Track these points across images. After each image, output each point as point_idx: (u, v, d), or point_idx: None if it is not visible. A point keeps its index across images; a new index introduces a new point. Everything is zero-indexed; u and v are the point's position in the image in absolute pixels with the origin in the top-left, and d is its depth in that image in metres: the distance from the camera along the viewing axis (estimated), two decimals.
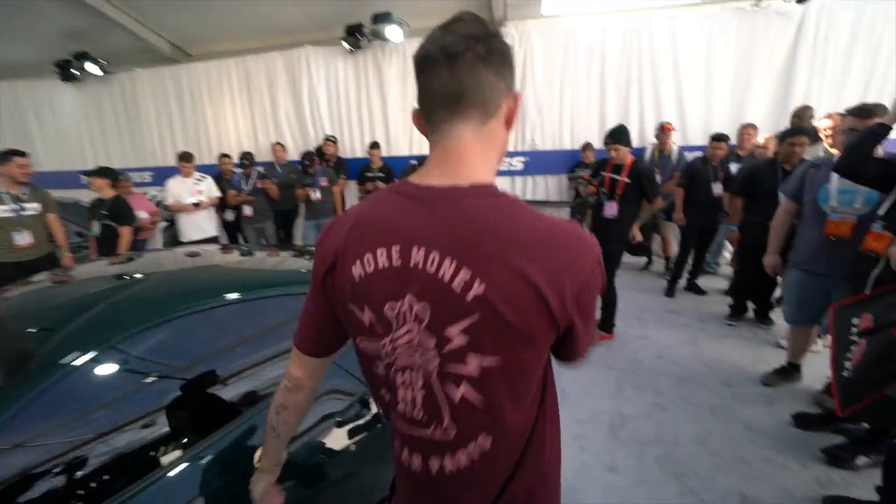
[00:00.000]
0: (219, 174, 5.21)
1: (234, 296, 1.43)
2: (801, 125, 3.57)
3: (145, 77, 6.44)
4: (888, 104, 2.07)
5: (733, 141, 4.42)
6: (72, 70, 6.29)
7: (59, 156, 7.39)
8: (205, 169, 5.38)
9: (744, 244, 3.47)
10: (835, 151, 3.20)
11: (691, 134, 5.03)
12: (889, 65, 4.48)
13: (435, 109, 0.63)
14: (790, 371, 2.62)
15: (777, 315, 3.43)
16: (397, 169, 5.50)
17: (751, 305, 3.60)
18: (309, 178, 4.66)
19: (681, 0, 4.95)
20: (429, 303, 0.59)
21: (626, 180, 3.05)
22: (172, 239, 4.73)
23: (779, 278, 2.93)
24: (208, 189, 4.66)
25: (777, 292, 3.56)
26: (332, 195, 4.76)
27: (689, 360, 2.97)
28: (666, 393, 2.57)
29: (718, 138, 3.94)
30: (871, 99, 4.35)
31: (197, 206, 4.50)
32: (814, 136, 3.43)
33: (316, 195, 4.61)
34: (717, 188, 3.98)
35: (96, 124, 7.02)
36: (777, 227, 2.62)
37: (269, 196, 4.88)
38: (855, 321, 1.64)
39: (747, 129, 4.27)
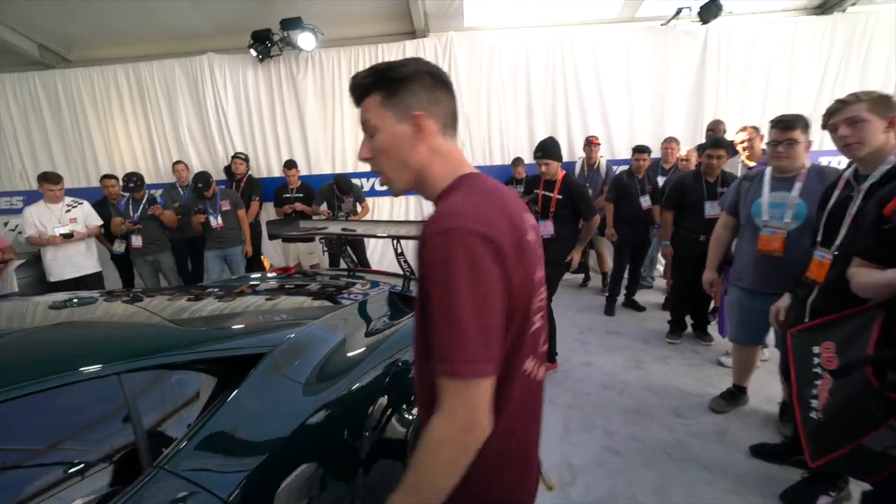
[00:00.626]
0: (103, 199, 4.40)
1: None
2: (717, 137, 3.62)
3: (6, 82, 5.38)
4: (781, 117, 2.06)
5: (657, 154, 4.49)
6: None
7: None
8: (92, 193, 4.54)
9: (676, 258, 3.41)
10: (751, 163, 3.25)
11: (617, 147, 5.07)
12: (780, 79, 4.82)
13: (451, 123, 0.79)
14: (736, 394, 2.48)
15: (714, 329, 3.38)
16: (317, 188, 5.01)
17: (689, 321, 3.53)
18: (203, 202, 4.00)
19: (600, 16, 5.04)
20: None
21: (559, 197, 2.84)
22: (39, 279, 3.84)
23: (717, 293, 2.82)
24: (84, 216, 3.86)
25: (713, 306, 3.53)
26: (236, 220, 4.13)
27: (636, 388, 2.76)
28: (616, 432, 2.31)
29: (640, 150, 3.93)
30: (769, 112, 4.72)
31: (69, 237, 3.69)
32: (731, 148, 3.48)
33: (216, 222, 3.97)
34: (646, 201, 3.95)
35: None
36: (715, 243, 2.51)
37: (164, 223, 4.15)
38: (816, 350, 1.46)
39: (670, 143, 4.34)
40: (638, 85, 4.94)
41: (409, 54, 5.00)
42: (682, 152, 4.06)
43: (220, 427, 1.14)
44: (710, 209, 3.13)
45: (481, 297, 0.61)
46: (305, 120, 5.17)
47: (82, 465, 0.94)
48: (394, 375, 1.56)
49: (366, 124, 0.76)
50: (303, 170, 5.25)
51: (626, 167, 4.29)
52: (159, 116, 5.32)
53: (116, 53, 5.41)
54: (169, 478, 0.99)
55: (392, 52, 4.99)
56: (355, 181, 5.19)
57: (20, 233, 3.94)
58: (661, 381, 2.85)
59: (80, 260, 3.80)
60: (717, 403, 2.50)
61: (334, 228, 3.22)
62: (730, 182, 3.06)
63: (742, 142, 3.09)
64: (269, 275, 2.79)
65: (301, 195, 4.80)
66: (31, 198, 5.57)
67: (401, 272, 2.69)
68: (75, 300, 1.59)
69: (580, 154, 4.85)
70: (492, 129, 5.13)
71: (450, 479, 0.63)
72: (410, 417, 1.54)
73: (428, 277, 0.63)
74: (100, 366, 1.03)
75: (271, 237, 3.79)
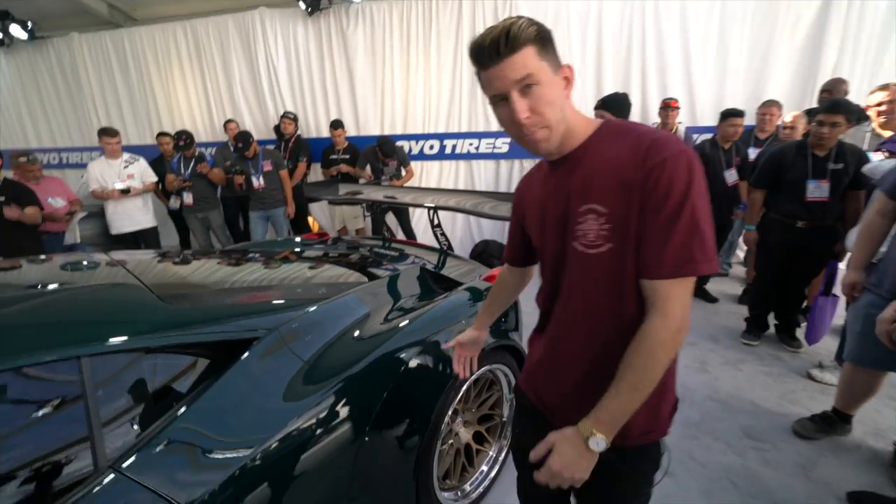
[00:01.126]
0: (159, 156, 4.53)
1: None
2: (835, 100, 2.89)
3: (83, 43, 5.66)
4: None
5: (750, 121, 3.77)
6: None
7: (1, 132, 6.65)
8: (155, 150, 4.71)
9: (763, 246, 2.86)
10: (887, 132, 2.57)
11: (701, 112, 4.35)
12: None
13: None
14: (836, 421, 2.02)
15: (803, 333, 2.84)
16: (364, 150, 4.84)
17: (772, 320, 3.01)
18: (245, 162, 3.96)
19: None
20: None
21: None
22: (103, 231, 4.07)
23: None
24: (141, 172, 4.00)
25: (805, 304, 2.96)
26: (278, 181, 4.07)
27: (700, 395, 2.38)
28: (672, 446, 1.98)
29: (733, 114, 3.27)
30: None
31: (126, 192, 3.84)
32: (857, 113, 2.78)
33: (258, 182, 3.93)
34: (731, 176, 3.34)
35: (34, 97, 6.26)
36: (867, 234, 1.87)
37: (213, 182, 4.20)
38: None
39: (769, 108, 3.61)
40: (733, 38, 4.12)
41: (466, 10, 4.54)
42: (787, 118, 3.33)
43: (191, 423, 1.00)
44: (815, 190, 2.53)
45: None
46: (355, 77, 4.95)
47: (26, 463, 0.83)
48: (408, 370, 1.35)
49: (526, 79, 0.72)
50: (350, 130, 5.09)
51: (709, 136, 3.66)
52: (214, 74, 5.35)
53: (176, 11, 5.47)
54: (120, 481, 0.85)
55: (447, 8, 4.56)
56: (401, 144, 4.97)
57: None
58: (731, 390, 2.43)
59: (137, 215, 3.96)
60: (804, 427, 2.07)
61: (374, 194, 3.03)
62: (847, 157, 2.45)
63: (879, 104, 2.43)
64: (298, 240, 2.67)
65: (347, 157, 4.66)
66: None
67: (436, 245, 2.44)
68: (71, 264, 1.52)
69: (655, 120, 4.22)
70: None
71: (661, 375, 0.73)
72: (410, 423, 1.34)
73: (670, 192, 0.70)
74: (60, 347, 0.90)
75: (309, 200, 3.70)
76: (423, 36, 4.69)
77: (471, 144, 4.88)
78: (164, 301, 1.23)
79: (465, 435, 1.76)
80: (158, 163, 4.37)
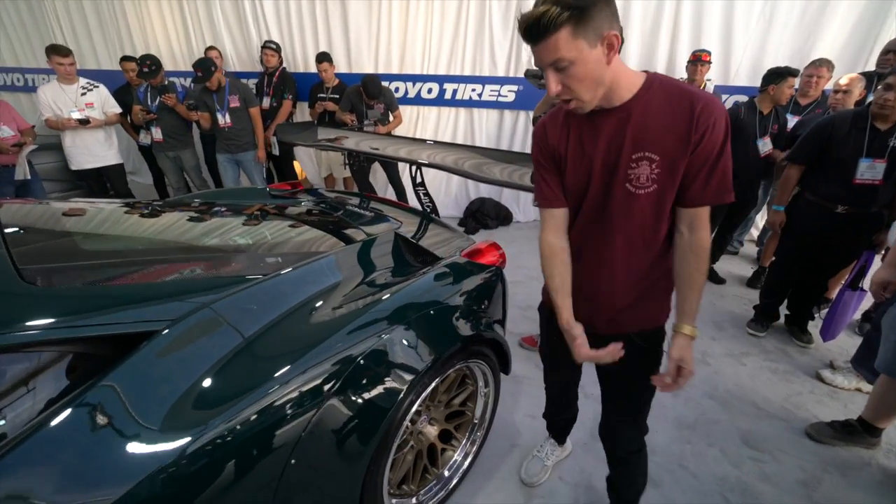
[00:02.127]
0: (125, 84, 4.07)
1: None
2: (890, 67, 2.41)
3: None
4: None
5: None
6: None
7: None
8: (121, 78, 4.21)
9: (790, 231, 2.53)
10: None
11: (735, 69, 3.84)
12: None
13: None
14: (859, 432, 1.82)
15: (816, 328, 2.59)
16: None
17: (783, 310, 2.75)
18: (210, 95, 3.49)
19: None
20: None
21: None
22: (63, 166, 3.72)
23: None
24: (102, 101, 3.58)
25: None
26: (248, 119, 3.63)
27: (697, 391, 2.17)
28: (660, 450, 1.79)
29: (791, 72, 2.77)
30: None
31: (84, 123, 3.45)
32: None
33: (224, 120, 3.50)
34: (765, 145, 2.94)
35: None
36: None
37: (183, 117, 3.76)
38: None
39: (818, 69, 3.11)
40: None
41: None
42: (842, 80, 2.84)
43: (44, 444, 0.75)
44: (867, 170, 2.16)
45: None
46: (349, 5, 4.34)
47: None
48: (353, 373, 1.08)
49: (557, 62, 0.81)
50: (341, 67, 4.56)
51: (745, 98, 3.21)
52: None
53: None
54: None
55: None
56: (396, 85, 4.48)
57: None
58: (731, 387, 2.22)
59: (98, 149, 3.59)
60: (820, 431, 1.87)
61: (353, 142, 2.65)
62: None
63: None
64: (268, 189, 2.34)
65: (337, 96, 4.19)
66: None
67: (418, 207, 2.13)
68: None
69: (681, 74, 3.73)
70: None
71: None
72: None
73: (716, 145, 0.88)
74: None
75: (281, 143, 3.31)
76: None
77: (473, 90, 4.39)
78: (26, 278, 0.94)
79: (431, 434, 1.55)
80: (125, 92, 3.92)
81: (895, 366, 1.63)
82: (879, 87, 2.08)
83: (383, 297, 1.28)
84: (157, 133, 3.73)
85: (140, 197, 4.32)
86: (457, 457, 1.60)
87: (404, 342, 1.21)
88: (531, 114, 4.22)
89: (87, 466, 0.78)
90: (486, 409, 1.65)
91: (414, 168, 2.14)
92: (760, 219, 3.91)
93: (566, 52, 0.78)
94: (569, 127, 0.98)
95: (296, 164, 4.80)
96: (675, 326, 1.00)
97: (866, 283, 2.04)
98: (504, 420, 1.94)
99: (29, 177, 3.24)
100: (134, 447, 0.82)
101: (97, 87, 3.56)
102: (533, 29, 0.78)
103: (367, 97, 3.73)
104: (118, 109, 3.67)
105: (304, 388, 1.00)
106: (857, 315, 2.68)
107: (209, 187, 4.26)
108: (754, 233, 4.02)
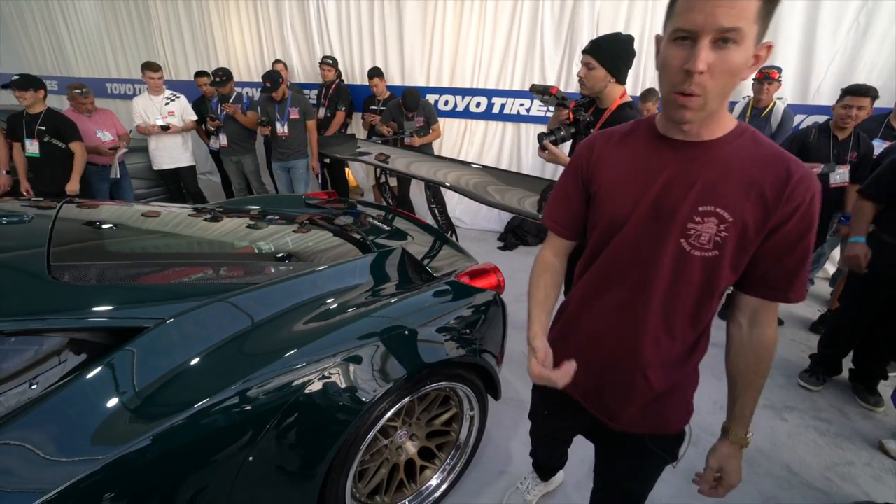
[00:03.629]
0: (202, 96, 4.56)
1: None
2: None
3: None
4: None
5: (888, 102, 2.88)
6: None
7: (87, 62, 7.18)
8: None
9: (865, 274, 2.20)
10: None
11: (815, 87, 3.43)
12: None
13: None
14: None
15: (887, 389, 2.23)
16: None
17: (847, 363, 2.40)
18: (273, 105, 3.77)
19: None
20: None
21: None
22: (149, 166, 4.25)
23: None
24: (181, 110, 4.05)
25: None
26: (304, 131, 3.90)
27: None
28: None
29: (857, 91, 2.46)
30: None
31: (165, 129, 3.93)
32: None
33: (282, 129, 3.78)
34: (840, 175, 2.59)
35: (114, 28, 6.58)
36: None
37: (244, 125, 4.13)
38: None
39: None
40: None
41: None
42: None
43: (32, 424, 0.88)
44: None
45: None
46: (404, 22, 4.52)
47: None
48: (321, 386, 1.14)
49: (731, 32, 0.61)
50: (395, 80, 4.76)
51: (820, 119, 2.86)
52: (266, 11, 5.19)
53: None
54: None
55: None
56: (447, 98, 4.56)
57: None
58: (764, 445, 1.98)
59: (175, 152, 4.06)
60: None
61: (397, 160, 2.71)
62: None
63: None
64: (304, 197, 2.50)
65: (385, 108, 4.37)
66: (170, 86, 6.20)
67: (428, 223, 2.16)
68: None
69: (748, 93, 3.40)
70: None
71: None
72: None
73: (809, 228, 0.72)
74: None
75: (321, 156, 3.51)
76: None
77: (521, 105, 4.35)
78: (53, 273, 1.11)
79: (410, 449, 1.56)
80: (201, 102, 4.40)
81: None
82: None
83: (363, 313, 1.32)
84: (223, 139, 4.14)
85: (210, 194, 4.80)
86: (436, 476, 1.59)
87: (374, 358, 1.24)
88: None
89: (70, 437, 0.90)
90: (472, 432, 1.63)
91: (429, 189, 2.18)
92: (837, 253, 3.44)
93: (746, 26, 0.61)
94: (623, 147, 0.82)
95: (348, 171, 5.07)
96: (724, 428, 0.88)
97: None
98: (498, 445, 1.90)
99: (119, 176, 3.75)
100: (114, 424, 0.93)
101: (179, 97, 4.04)
102: None
103: (406, 109, 3.85)
104: (194, 117, 4.13)
105: (271, 389, 1.07)
106: None
107: (267, 191, 4.63)
108: (829, 269, 3.55)
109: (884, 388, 2.27)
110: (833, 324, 2.42)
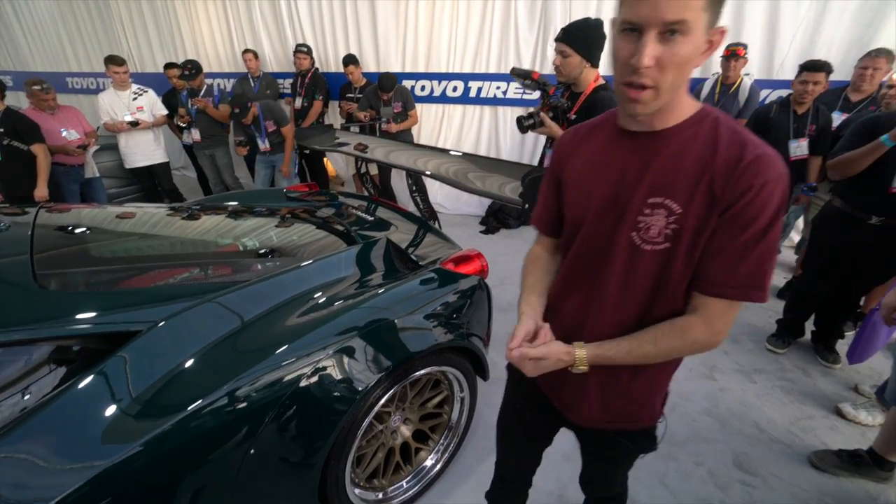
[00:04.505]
0: (172, 89, 4.42)
1: None
2: None
3: None
4: None
5: (847, 76, 3.00)
6: None
7: (44, 55, 6.83)
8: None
9: (818, 242, 2.35)
10: None
11: (779, 62, 3.53)
12: None
13: None
14: (867, 464, 1.70)
15: (844, 347, 2.40)
16: None
17: (809, 326, 2.57)
18: (249, 127, 3.66)
19: None
20: None
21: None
22: (120, 164, 4.13)
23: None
24: (150, 104, 3.93)
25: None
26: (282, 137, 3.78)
27: (696, 407, 2.10)
28: (643, 465, 1.75)
29: (813, 67, 2.56)
30: None
31: (135, 125, 3.81)
32: None
33: (264, 145, 3.66)
34: (799, 148, 2.71)
35: (71, 21, 6.26)
36: None
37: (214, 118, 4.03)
38: None
39: (874, 60, 2.80)
40: None
41: None
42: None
43: (34, 431, 0.91)
44: None
45: None
46: (377, 7, 4.44)
47: None
48: (315, 377, 1.19)
49: (677, 24, 0.60)
50: (370, 66, 4.70)
51: (785, 93, 2.97)
52: (234, 1, 5.01)
53: None
54: None
55: None
56: (423, 83, 4.52)
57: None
58: (734, 405, 2.12)
59: (148, 149, 3.96)
60: (823, 460, 1.77)
61: (376, 149, 2.73)
62: None
63: None
64: (285, 191, 2.50)
65: (362, 96, 4.33)
66: (137, 79, 5.97)
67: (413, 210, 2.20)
68: None
69: (716, 70, 3.49)
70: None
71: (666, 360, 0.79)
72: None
73: (759, 216, 0.65)
74: None
75: (300, 147, 3.48)
76: None
77: (498, 88, 4.36)
78: (40, 282, 1.11)
79: (405, 433, 1.63)
80: (171, 95, 4.27)
81: None
82: None
83: (352, 305, 1.37)
84: (195, 134, 4.05)
85: (186, 191, 4.71)
86: (431, 456, 1.67)
87: (365, 348, 1.29)
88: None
89: (71, 444, 0.93)
90: (462, 413, 1.71)
91: (410, 177, 2.21)
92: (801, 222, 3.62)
93: (694, 17, 0.59)
94: (588, 142, 0.81)
95: (326, 161, 5.02)
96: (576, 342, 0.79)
97: None
98: (489, 423, 1.95)
99: (97, 174, 3.64)
100: (116, 427, 0.96)
101: (146, 91, 3.91)
102: None
103: (381, 90, 3.84)
104: (165, 112, 4.02)
105: (267, 384, 1.12)
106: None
107: (242, 186, 4.55)
108: (794, 237, 3.73)
109: (841, 346, 2.44)
110: (796, 290, 2.58)
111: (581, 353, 0.76)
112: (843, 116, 2.89)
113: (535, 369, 0.78)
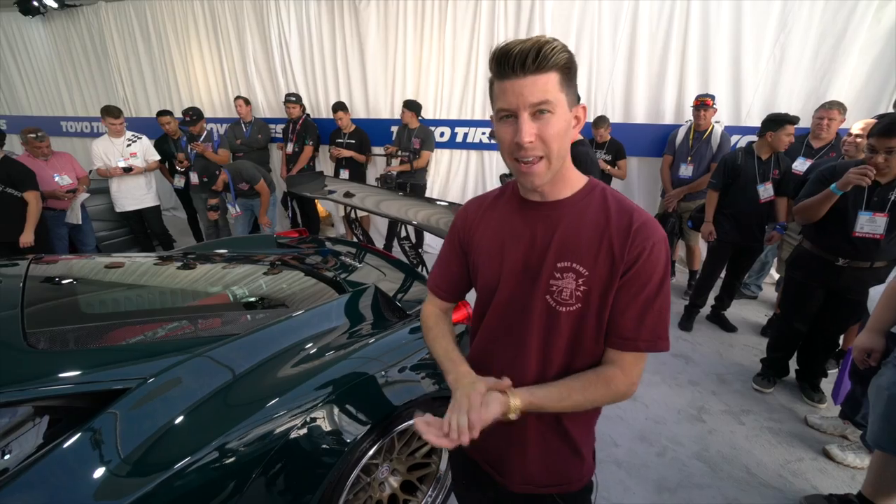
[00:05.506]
0: (164, 135, 4.52)
1: None
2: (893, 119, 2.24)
3: (109, 12, 5.71)
4: None
5: (806, 123, 3.22)
6: (31, 1, 5.64)
7: (40, 100, 6.96)
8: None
9: (793, 282, 2.43)
10: None
11: (747, 112, 3.78)
12: None
13: None
14: None
15: (829, 386, 2.44)
16: (374, 134, 4.63)
17: (794, 364, 2.61)
18: (219, 195, 3.76)
19: None
20: None
21: None
22: (110, 207, 4.15)
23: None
24: (144, 151, 4.01)
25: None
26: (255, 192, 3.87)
27: (686, 451, 2.09)
28: None
29: (789, 120, 2.67)
30: None
31: (128, 170, 3.87)
32: None
33: (235, 210, 3.79)
34: (766, 191, 2.85)
35: (69, 66, 6.44)
36: (895, 294, 1.57)
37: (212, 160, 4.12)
38: None
39: (829, 111, 3.04)
40: (800, 19, 3.48)
41: None
42: (855, 128, 2.74)
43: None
44: (867, 224, 2.09)
45: None
46: (366, 56, 4.68)
47: None
48: (303, 434, 1.18)
49: (543, 105, 0.69)
50: (360, 113, 4.89)
51: (750, 139, 3.16)
52: (230, 49, 5.24)
53: None
54: None
55: None
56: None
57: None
58: (724, 448, 2.12)
59: (138, 193, 3.99)
60: None
61: (366, 199, 2.78)
62: None
63: None
64: (274, 237, 2.53)
65: (353, 141, 4.48)
66: (132, 125, 6.10)
67: (398, 257, 2.24)
68: None
69: (688, 117, 3.72)
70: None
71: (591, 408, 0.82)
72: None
73: (653, 274, 0.74)
74: None
75: (289, 194, 3.54)
76: (439, 15, 4.33)
77: (483, 133, 4.55)
78: (29, 341, 1.12)
79: (393, 485, 1.60)
80: (163, 141, 4.36)
81: (886, 440, 1.53)
82: (866, 150, 2.02)
83: (341, 357, 1.38)
84: (193, 177, 4.10)
85: (176, 232, 4.71)
86: None
87: (353, 401, 1.29)
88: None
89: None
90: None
91: (401, 225, 2.27)
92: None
93: (554, 97, 0.69)
94: (493, 212, 0.87)
95: (317, 202, 5.10)
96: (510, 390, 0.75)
97: None
98: None
99: (80, 221, 3.65)
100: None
101: (140, 138, 4.00)
102: (529, 57, 0.66)
103: (408, 109, 4.16)
104: (157, 157, 4.09)
105: (255, 439, 1.11)
106: None
107: (230, 232, 4.57)
108: (775, 275, 3.85)
109: (826, 384, 2.48)
110: (776, 329, 2.65)
111: (515, 402, 0.73)
112: (808, 162, 3.08)
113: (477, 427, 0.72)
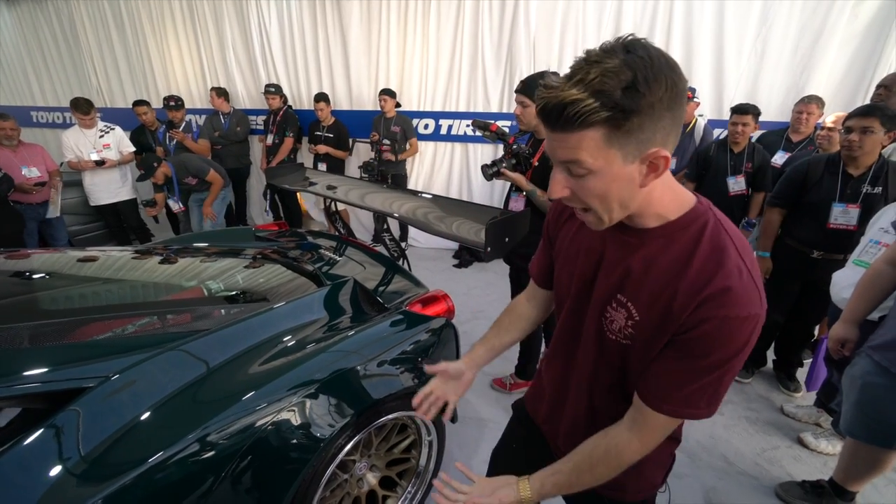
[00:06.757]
0: (140, 126, 4.38)
1: None
2: (873, 105, 2.23)
3: (81, 3, 5.48)
4: None
5: (785, 117, 3.26)
6: None
7: (7, 89, 6.68)
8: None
9: (772, 275, 2.47)
10: None
11: (729, 105, 3.80)
12: None
13: None
14: (829, 495, 1.73)
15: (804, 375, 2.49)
16: (353, 127, 4.55)
17: (771, 355, 2.66)
18: (161, 188, 3.56)
19: None
20: None
21: (536, 164, 1.93)
22: (84, 201, 4.01)
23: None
24: (117, 142, 3.87)
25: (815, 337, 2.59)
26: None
27: None
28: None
29: (736, 110, 2.78)
30: None
31: (101, 164, 3.73)
32: None
33: (177, 206, 3.62)
34: (736, 184, 2.88)
35: (38, 53, 6.19)
36: (871, 283, 1.54)
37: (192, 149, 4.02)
38: None
39: (807, 105, 3.07)
40: (780, 15, 3.52)
41: None
42: (828, 121, 2.79)
43: None
44: (841, 215, 2.13)
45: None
46: (349, 47, 4.58)
47: None
48: (276, 427, 1.14)
49: (573, 164, 0.58)
50: (343, 104, 4.80)
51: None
52: (207, 38, 5.09)
53: None
54: None
55: None
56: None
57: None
58: (703, 438, 2.15)
59: (113, 186, 3.87)
60: (789, 492, 1.80)
61: (349, 192, 2.71)
62: (890, 179, 2.03)
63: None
64: (253, 230, 2.47)
65: (331, 135, 4.41)
66: (107, 115, 5.89)
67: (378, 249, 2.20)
68: None
69: None
70: (538, 67, 4.07)
71: (605, 481, 0.74)
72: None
73: (711, 351, 0.61)
74: None
75: (268, 187, 3.46)
76: (423, 4, 4.26)
77: (467, 126, 4.51)
78: None
79: (372, 481, 1.58)
80: (140, 132, 4.23)
81: (855, 428, 1.56)
82: (842, 129, 2.06)
83: (318, 350, 1.34)
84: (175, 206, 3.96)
85: (153, 225, 4.59)
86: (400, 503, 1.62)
87: (330, 395, 1.26)
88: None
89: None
90: (431, 457, 1.67)
91: (383, 219, 2.24)
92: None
93: (589, 157, 0.56)
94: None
95: (299, 196, 5.01)
96: (522, 475, 0.78)
97: None
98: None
99: (58, 214, 3.51)
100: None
101: (113, 129, 3.86)
102: (554, 114, 0.55)
103: (387, 95, 4.11)
104: (132, 149, 3.96)
105: (228, 435, 1.07)
106: None
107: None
108: None
109: (801, 373, 2.53)
110: None
111: (526, 493, 0.75)
112: (787, 155, 3.12)
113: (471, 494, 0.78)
